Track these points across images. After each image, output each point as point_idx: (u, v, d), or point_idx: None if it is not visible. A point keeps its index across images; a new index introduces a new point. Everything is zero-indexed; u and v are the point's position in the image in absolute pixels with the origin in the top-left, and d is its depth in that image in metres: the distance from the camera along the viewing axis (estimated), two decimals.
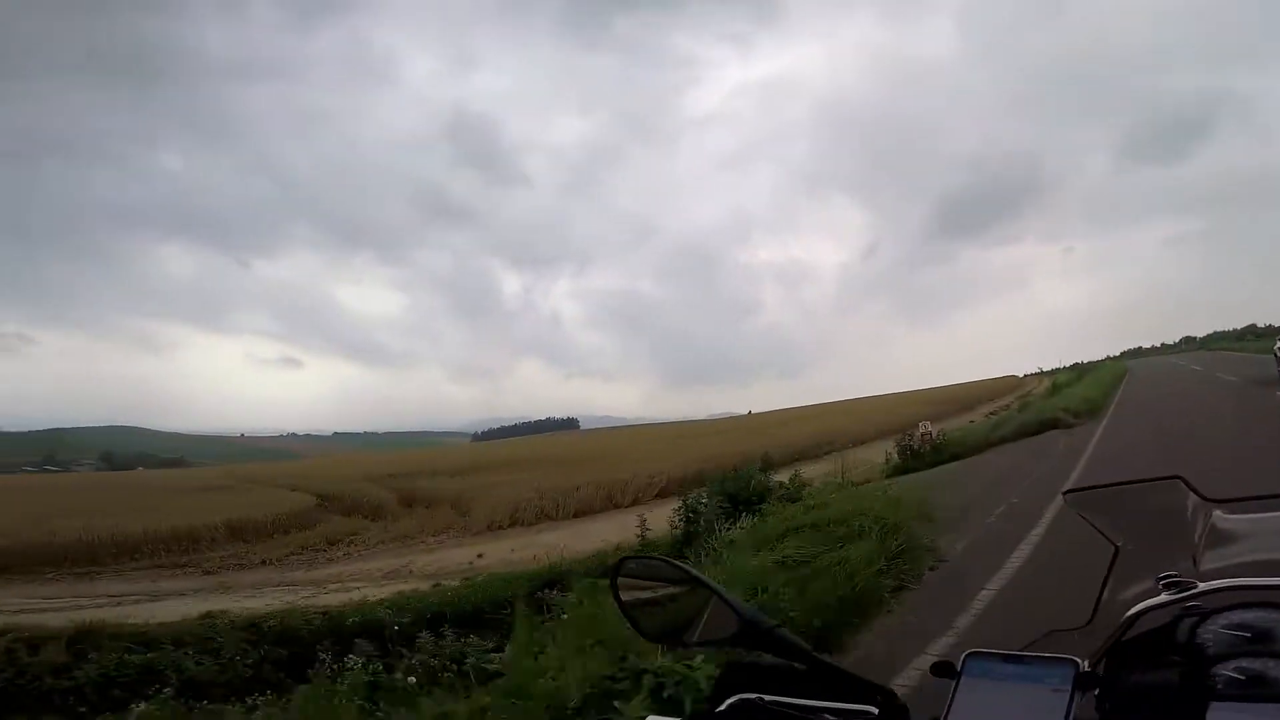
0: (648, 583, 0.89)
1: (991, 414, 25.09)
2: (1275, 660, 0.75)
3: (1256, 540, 0.96)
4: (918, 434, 13.73)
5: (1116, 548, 0.99)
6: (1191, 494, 0.96)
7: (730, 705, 0.76)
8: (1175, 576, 0.89)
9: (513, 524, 18.80)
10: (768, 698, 0.76)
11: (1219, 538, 0.97)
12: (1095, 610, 0.96)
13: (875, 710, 0.71)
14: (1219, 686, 0.74)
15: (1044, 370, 49.49)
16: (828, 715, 0.73)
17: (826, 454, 20.02)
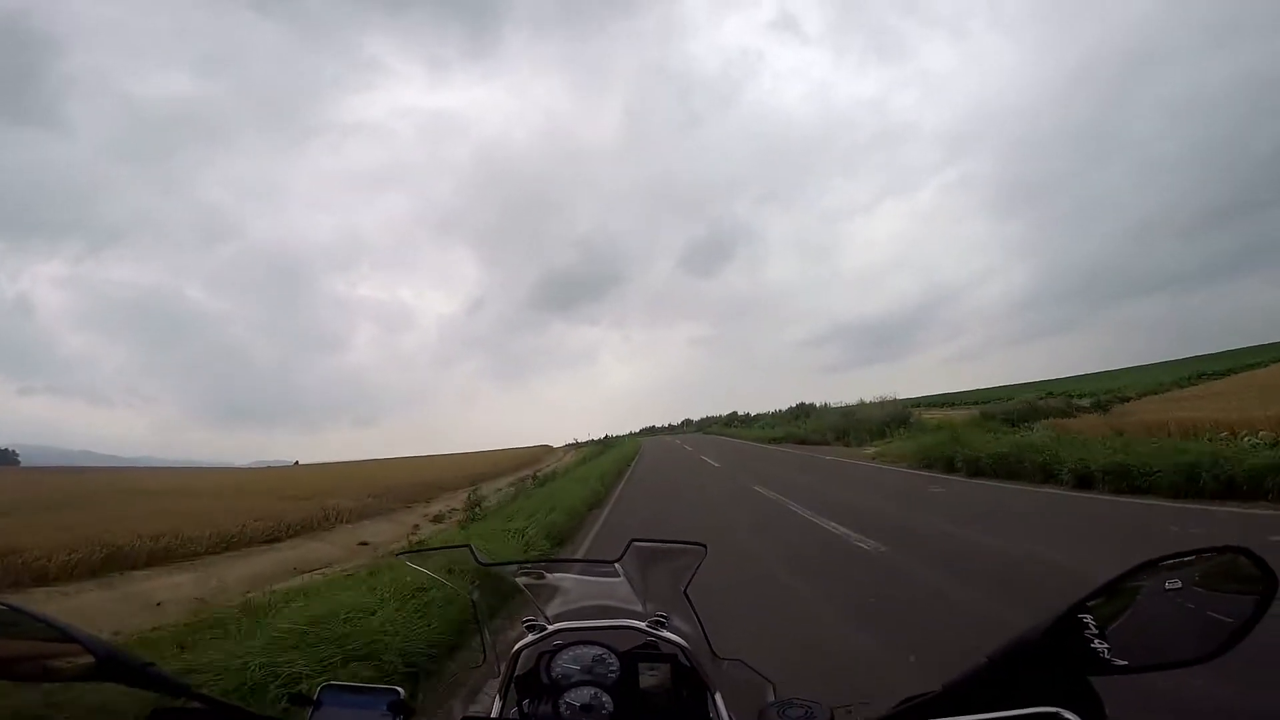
0: None
1: (512, 484, 24.81)
2: (595, 688, 1.10)
3: (574, 586, 1.30)
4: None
5: (472, 600, 1.31)
6: (474, 560, 1.20)
7: None
8: (533, 620, 1.19)
9: None
10: None
11: (544, 586, 1.28)
12: (484, 652, 1.29)
13: None
14: (566, 714, 1.08)
15: (579, 441, 56.80)
16: None
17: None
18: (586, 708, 1.07)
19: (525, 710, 1.12)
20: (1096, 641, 0.65)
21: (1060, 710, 0.67)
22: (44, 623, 0.76)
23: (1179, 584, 0.65)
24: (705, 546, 1.06)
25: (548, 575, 1.31)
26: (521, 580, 1.27)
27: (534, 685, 1.15)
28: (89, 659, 0.74)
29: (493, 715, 1.07)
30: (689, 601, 1.15)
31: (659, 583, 1.17)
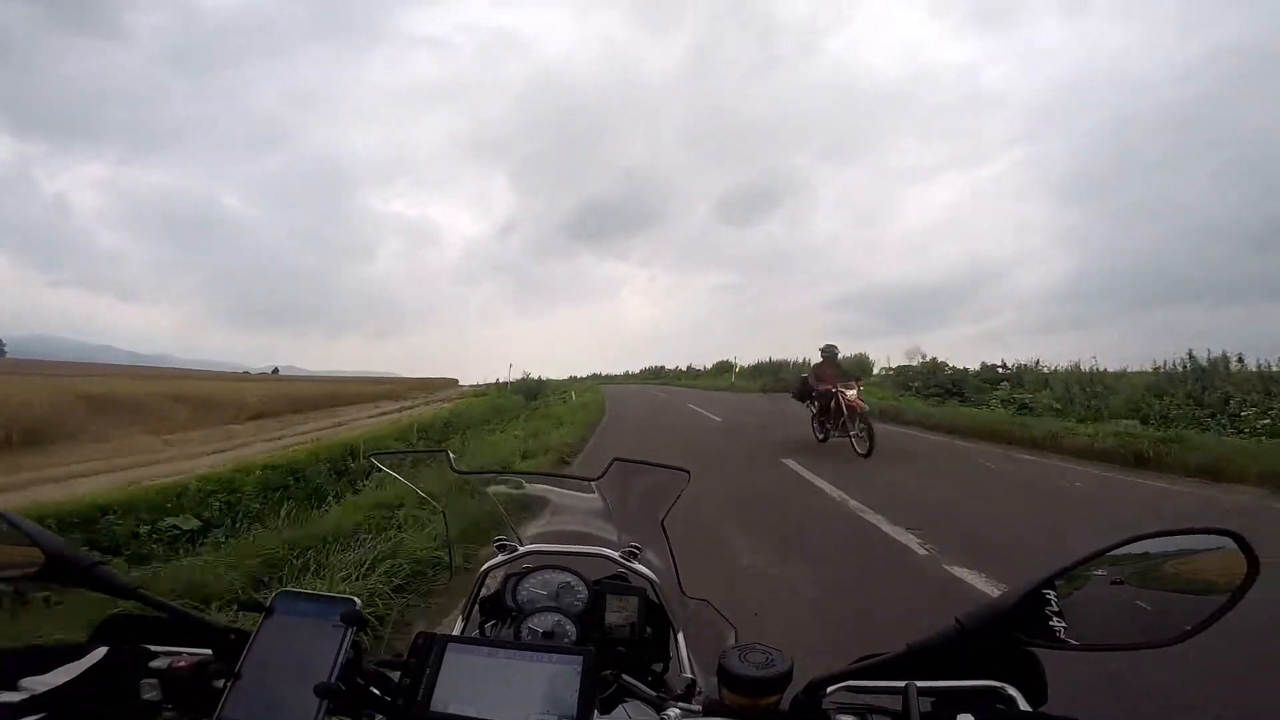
0: None
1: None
2: (560, 614, 1.03)
3: (550, 509, 1.29)
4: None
5: (443, 511, 1.36)
6: (450, 467, 1.20)
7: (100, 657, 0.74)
8: (504, 540, 1.15)
9: None
10: (154, 647, 0.76)
11: (518, 505, 1.27)
12: (450, 570, 1.69)
13: (210, 652, 0.75)
14: (527, 639, 1.00)
15: (500, 381, 35.96)
16: (181, 654, 0.75)
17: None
18: (549, 634, 1.02)
19: (486, 632, 1.09)
20: (1055, 619, 0.62)
21: (1004, 685, 0.66)
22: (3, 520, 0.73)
23: (1153, 563, 0.62)
24: (688, 472, 1.05)
25: (525, 489, 1.29)
26: (496, 495, 1.25)
27: (499, 607, 1.11)
28: (37, 557, 0.72)
29: (452, 634, 1.04)
30: (665, 534, 1.11)
31: (636, 510, 1.16)
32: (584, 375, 61.11)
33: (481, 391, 32.65)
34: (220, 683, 0.71)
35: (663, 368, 57.48)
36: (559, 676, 0.69)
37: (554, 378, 42.26)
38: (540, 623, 1.03)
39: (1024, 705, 0.66)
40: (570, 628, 1.03)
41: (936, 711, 0.66)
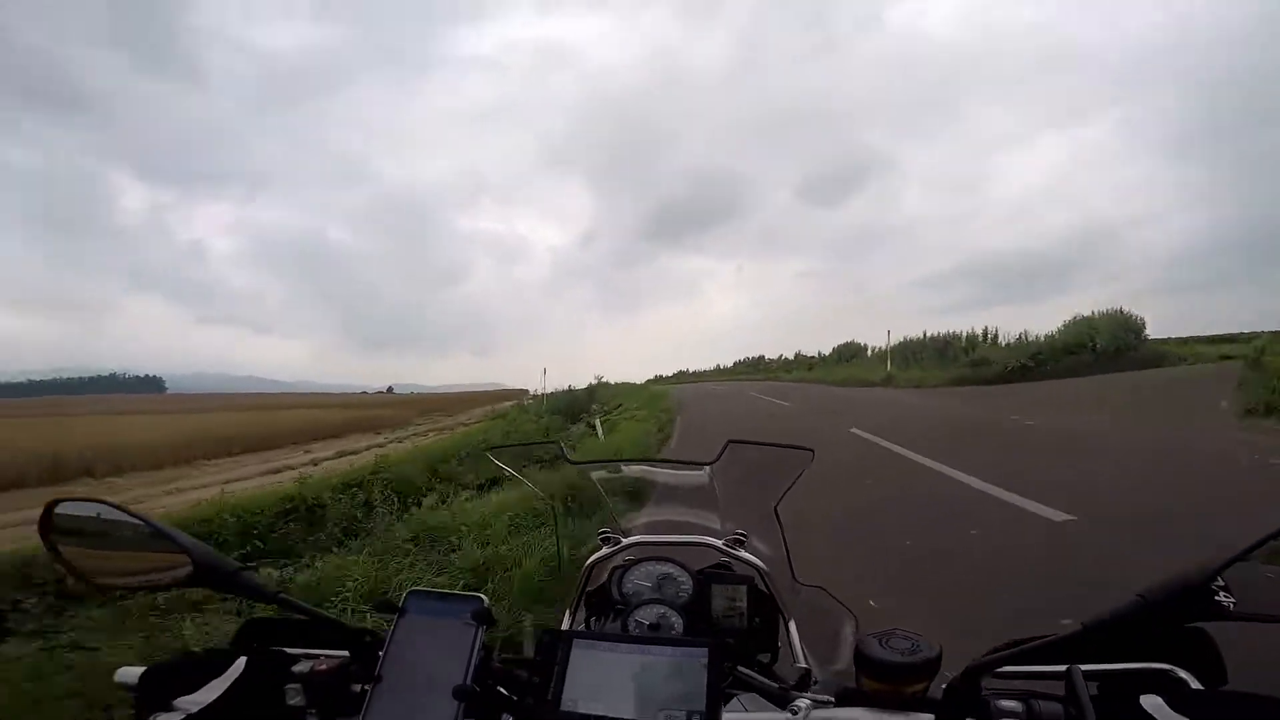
0: (87, 528, 0.78)
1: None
2: (666, 606, 1.01)
3: (656, 498, 1.29)
4: None
5: (551, 507, 1.55)
6: (563, 459, 1.26)
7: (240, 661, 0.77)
8: (609, 532, 1.15)
9: None
10: (293, 650, 0.78)
11: (624, 495, 1.29)
12: (559, 563, 1.51)
13: (347, 654, 0.76)
14: (634, 632, 0.98)
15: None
16: (319, 658, 0.76)
17: None
18: (654, 626, 1.00)
19: (590, 626, 1.08)
20: (1222, 594, 0.58)
21: (1173, 668, 0.64)
22: (144, 523, 0.75)
23: None
24: (812, 451, 1.06)
25: (633, 478, 1.31)
26: (602, 485, 1.27)
27: (604, 601, 1.10)
28: (186, 565, 0.73)
29: (575, 629, 1.06)
30: (778, 519, 1.10)
31: (748, 494, 1.16)
32: (670, 374, 50.39)
33: (501, 415, 23.30)
34: (357, 686, 0.73)
35: (762, 359, 45.32)
36: (685, 670, 0.67)
37: (630, 380, 33.89)
38: (646, 615, 1.02)
39: (1196, 686, 0.63)
40: (676, 620, 1.01)
41: (1105, 696, 0.63)
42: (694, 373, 49.07)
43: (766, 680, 0.74)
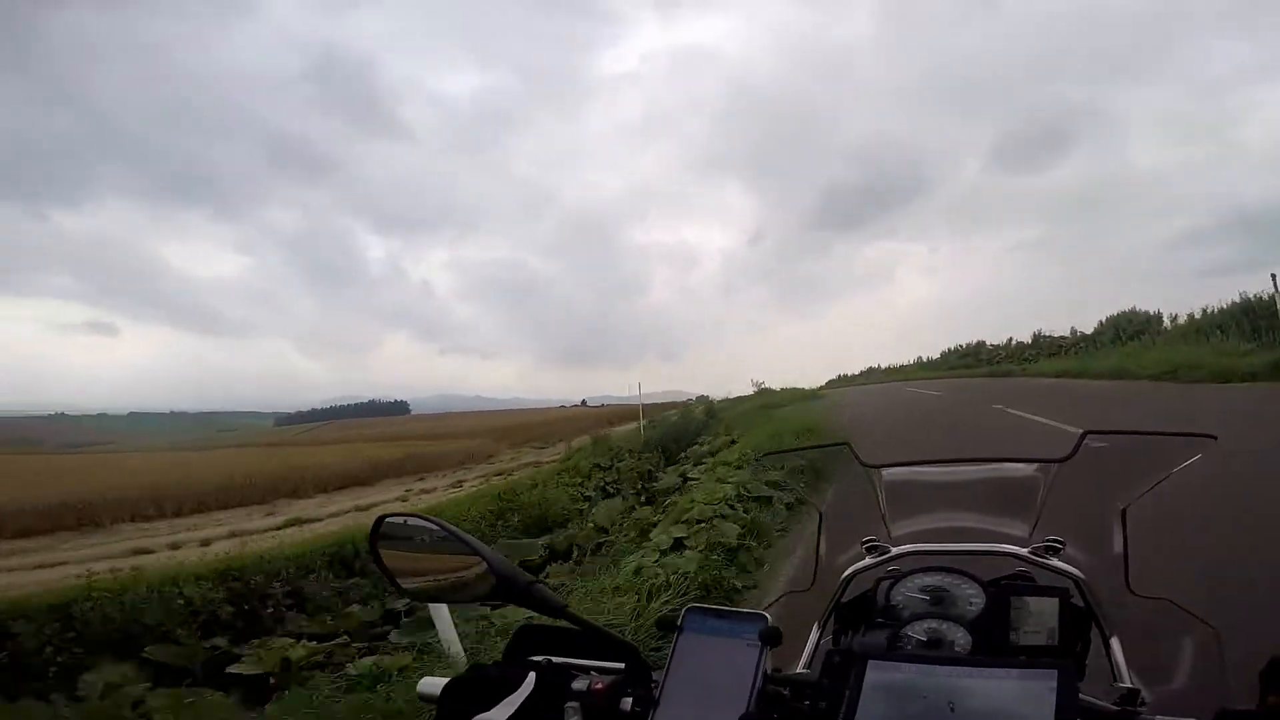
0: (407, 540, 0.82)
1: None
2: (948, 622, 0.90)
3: (936, 504, 1.13)
4: None
5: (820, 513, 1.18)
6: (855, 460, 1.11)
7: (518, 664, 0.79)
8: (875, 541, 1.07)
9: None
10: (556, 659, 0.80)
11: (901, 501, 1.12)
12: (815, 574, 1.10)
13: (622, 665, 0.76)
14: (909, 647, 0.88)
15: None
16: (591, 672, 0.77)
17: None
18: (934, 643, 0.88)
19: (840, 641, 0.98)
20: None
21: None
22: (454, 537, 0.77)
23: None
24: (1215, 437, 0.89)
25: (926, 480, 1.16)
26: (885, 487, 1.12)
27: (863, 614, 1.00)
28: (489, 577, 0.74)
29: (809, 648, 0.98)
30: (1123, 522, 0.96)
31: (1087, 498, 1.01)
32: (857, 372, 41.38)
33: (565, 459, 16.72)
34: (628, 703, 0.72)
35: (981, 346, 32.64)
36: (1022, 697, 0.57)
37: (796, 386, 26.14)
38: (919, 630, 0.91)
39: None
40: (962, 636, 0.90)
41: None
42: (886, 369, 38.62)
43: (1108, 704, 0.68)
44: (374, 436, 40.90)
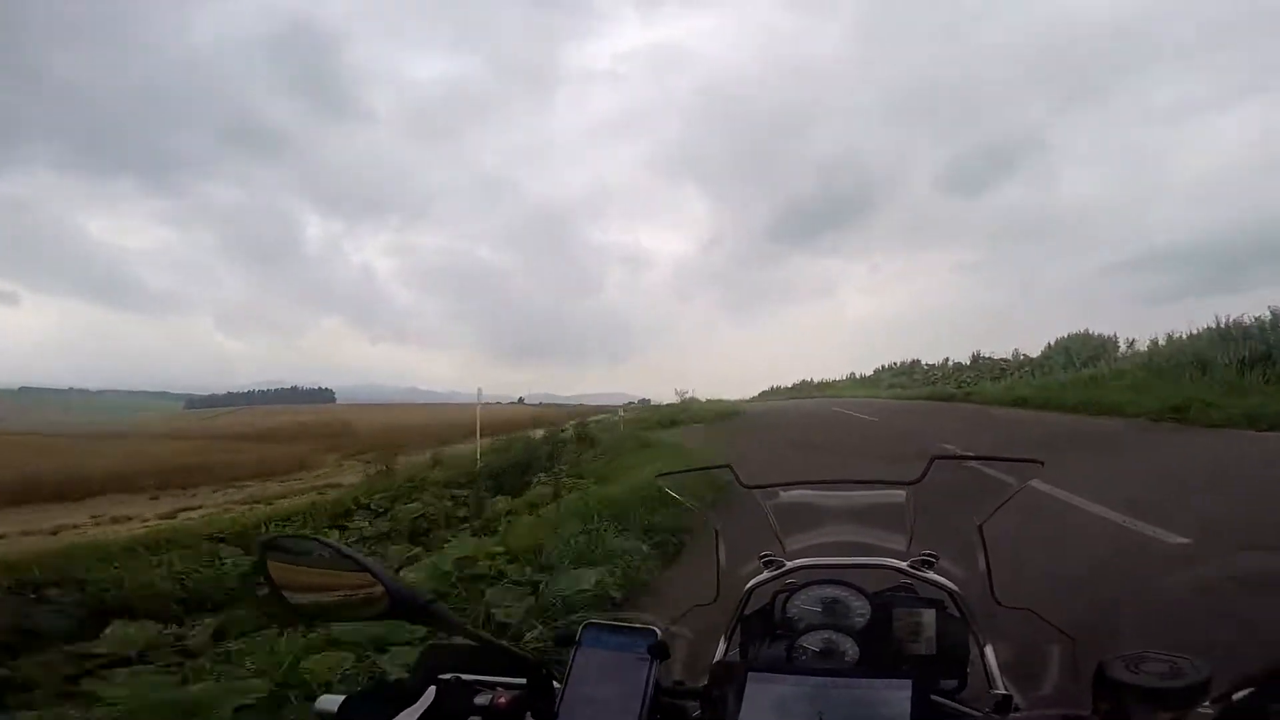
0: (299, 557, 0.80)
1: None
2: (839, 633, 0.97)
3: (823, 520, 1.19)
4: None
5: (716, 530, 1.22)
6: (736, 481, 1.14)
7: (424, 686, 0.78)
8: (771, 555, 1.12)
9: None
10: (465, 676, 0.79)
11: (790, 518, 1.19)
12: (718, 588, 1.15)
13: (524, 681, 0.77)
14: (804, 658, 0.95)
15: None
16: (496, 688, 0.77)
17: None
18: (826, 653, 0.96)
19: (748, 654, 1.04)
20: None
21: None
22: (347, 558, 0.75)
23: None
24: (1041, 463, 1.01)
25: (804, 500, 1.22)
26: (771, 506, 1.19)
27: (764, 626, 1.06)
28: (383, 598, 0.73)
29: (715, 659, 1.02)
30: (982, 537, 1.04)
31: (946, 513, 1.11)
32: (789, 385, 38.59)
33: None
34: (529, 716, 0.73)
35: (916, 364, 29.49)
36: (881, 704, 0.62)
37: (720, 398, 23.56)
38: (813, 641, 0.98)
39: None
40: (850, 646, 0.97)
41: None
42: (819, 383, 36.01)
43: (973, 710, 0.72)
44: (209, 433, 35.37)
